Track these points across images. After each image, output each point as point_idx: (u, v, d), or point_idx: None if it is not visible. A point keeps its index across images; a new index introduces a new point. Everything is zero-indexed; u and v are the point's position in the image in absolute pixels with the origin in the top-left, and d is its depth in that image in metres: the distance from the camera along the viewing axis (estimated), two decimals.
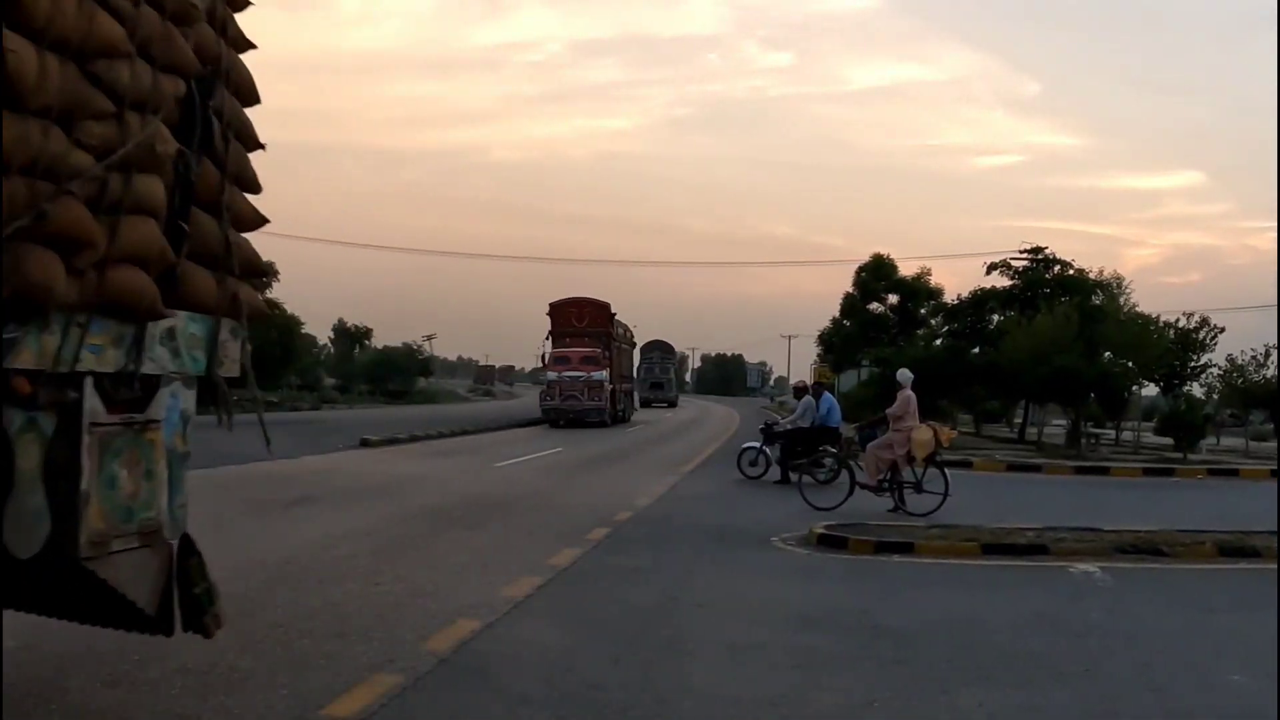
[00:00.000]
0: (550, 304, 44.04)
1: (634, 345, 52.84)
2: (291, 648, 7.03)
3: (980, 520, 13.33)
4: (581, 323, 43.39)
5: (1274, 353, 36.43)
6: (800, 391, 21.69)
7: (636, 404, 70.55)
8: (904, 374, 15.80)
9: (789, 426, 20.43)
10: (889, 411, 15.49)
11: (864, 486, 15.43)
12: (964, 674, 6.88)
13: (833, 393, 22.40)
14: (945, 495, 14.76)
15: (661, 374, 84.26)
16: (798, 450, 19.10)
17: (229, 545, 11.41)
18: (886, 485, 15.28)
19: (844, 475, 16.47)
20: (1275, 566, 10.57)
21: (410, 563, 10.70)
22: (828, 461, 17.75)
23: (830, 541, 12.05)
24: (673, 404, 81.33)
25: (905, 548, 11.73)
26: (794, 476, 17.99)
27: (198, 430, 5.17)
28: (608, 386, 40.96)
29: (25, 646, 6.77)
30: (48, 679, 6.14)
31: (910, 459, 15.11)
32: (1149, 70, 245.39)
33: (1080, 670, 7.07)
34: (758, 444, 20.87)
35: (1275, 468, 23.31)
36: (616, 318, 45.89)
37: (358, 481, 18.42)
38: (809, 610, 8.86)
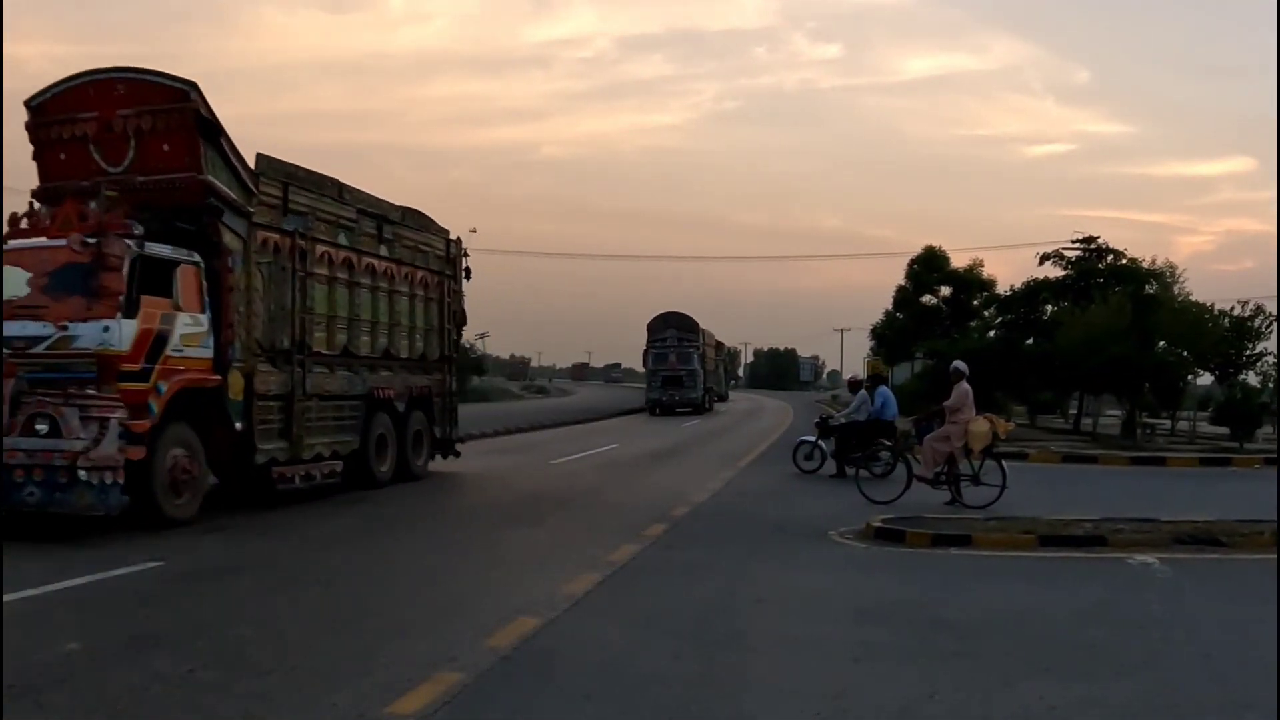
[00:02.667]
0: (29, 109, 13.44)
1: (452, 272, 20.13)
2: (354, 646, 7.16)
3: (1037, 512, 13.25)
4: (80, 168, 13.09)
5: None
6: (855, 386, 21.63)
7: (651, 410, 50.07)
8: (960, 366, 15.73)
9: (844, 420, 20.41)
10: (946, 404, 15.42)
11: (921, 479, 15.39)
12: (1024, 666, 6.89)
13: (888, 384, 22.24)
14: (1002, 487, 14.67)
15: (680, 363, 51.15)
16: (853, 444, 19.06)
17: (290, 542, 11.65)
18: (943, 478, 15.22)
19: (900, 468, 16.45)
20: None
21: (470, 560, 10.85)
22: (884, 455, 17.72)
23: (887, 535, 12.04)
24: (698, 409, 50.51)
25: (963, 540, 11.69)
26: (850, 470, 17.98)
27: None
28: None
29: (86, 649, 6.97)
30: (111, 679, 6.30)
31: (967, 451, 15.04)
32: (1199, 55, 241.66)
33: (1141, 662, 7.07)
34: (813, 438, 20.84)
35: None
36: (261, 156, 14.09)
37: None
38: (867, 603, 8.88)
